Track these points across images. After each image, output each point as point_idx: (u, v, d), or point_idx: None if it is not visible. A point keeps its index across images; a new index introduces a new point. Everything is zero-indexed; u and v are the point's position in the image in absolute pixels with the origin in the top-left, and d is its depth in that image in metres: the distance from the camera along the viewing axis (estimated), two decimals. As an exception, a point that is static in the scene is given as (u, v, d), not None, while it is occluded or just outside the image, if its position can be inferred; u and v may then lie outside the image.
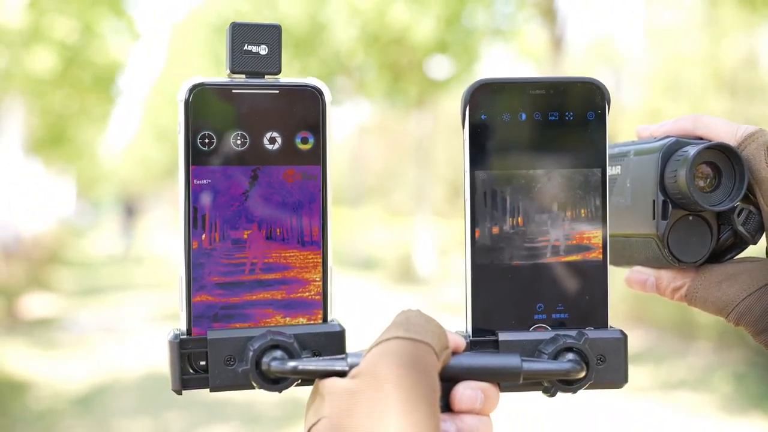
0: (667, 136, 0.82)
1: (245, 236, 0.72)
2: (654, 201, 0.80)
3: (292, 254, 0.73)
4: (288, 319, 0.73)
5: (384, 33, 11.99)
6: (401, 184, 21.47)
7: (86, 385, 6.51)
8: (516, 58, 15.03)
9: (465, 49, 12.63)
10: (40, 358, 7.49)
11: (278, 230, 0.73)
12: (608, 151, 0.81)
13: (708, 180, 0.78)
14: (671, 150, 0.79)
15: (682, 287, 0.82)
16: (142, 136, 39.59)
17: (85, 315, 10.25)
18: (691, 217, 0.79)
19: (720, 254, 0.81)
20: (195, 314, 0.72)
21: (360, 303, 10.21)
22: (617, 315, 7.97)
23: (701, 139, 0.81)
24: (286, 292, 0.73)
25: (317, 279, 0.74)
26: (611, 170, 0.86)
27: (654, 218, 0.80)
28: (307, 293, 0.74)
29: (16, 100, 13.01)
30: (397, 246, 14.94)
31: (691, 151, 0.77)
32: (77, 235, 31.14)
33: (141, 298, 11.63)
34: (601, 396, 5.68)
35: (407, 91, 13.29)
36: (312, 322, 0.74)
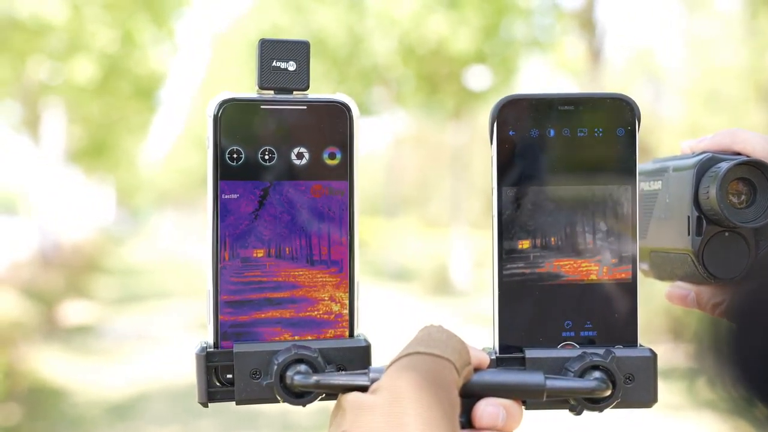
0: (704, 152, 0.81)
1: (273, 252, 0.73)
2: (689, 217, 0.79)
3: (318, 270, 0.74)
4: (310, 335, 0.74)
5: (421, 44, 12.00)
6: (437, 196, 21.44)
7: (121, 393, 6.56)
8: (554, 69, 14.98)
9: (503, 60, 12.60)
10: (76, 365, 7.56)
11: (306, 245, 0.73)
12: (651, 167, 0.80)
13: (742, 196, 0.77)
14: (706, 166, 0.79)
15: (722, 303, 0.81)
16: (182, 145, 39.93)
17: (122, 323, 10.33)
18: (727, 234, 0.78)
19: (760, 269, 0.79)
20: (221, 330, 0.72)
21: (394, 314, 10.19)
22: (654, 329, 7.90)
23: (738, 154, 0.80)
24: (314, 310, 0.74)
25: (342, 295, 0.74)
26: (653, 185, 0.86)
27: (689, 234, 0.79)
28: (333, 309, 0.74)
29: (57, 109, 13.18)
30: (433, 257, 14.92)
31: (723, 167, 0.76)
32: (116, 243, 31.43)
33: (178, 306, 11.71)
34: (633, 414, 5.63)
35: (444, 102, 13.29)
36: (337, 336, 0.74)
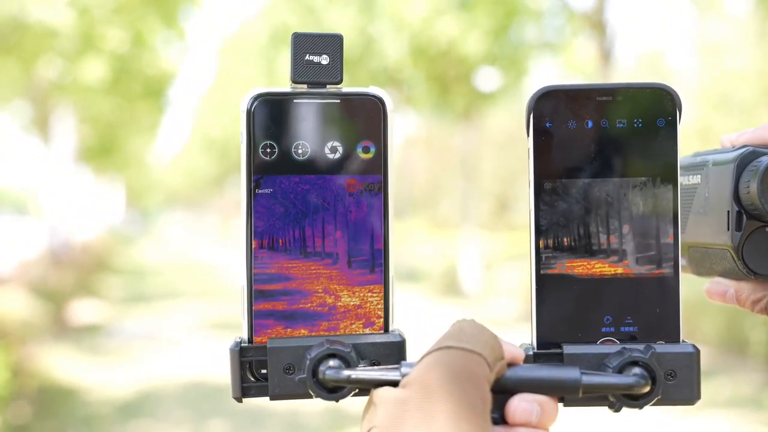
0: (745, 146, 0.79)
1: (316, 245, 0.72)
2: (728, 212, 0.77)
3: (352, 270, 0.73)
4: (358, 327, 0.73)
5: (432, 46, 12.00)
6: (447, 197, 21.44)
7: (131, 392, 6.57)
8: (564, 71, 14.96)
9: (513, 62, 12.59)
10: (86, 364, 7.58)
11: (347, 239, 0.73)
12: (690, 161, 0.79)
13: None
14: (746, 160, 0.77)
15: (763, 299, 0.80)
16: (191, 146, 40.04)
17: (132, 322, 10.36)
18: (767, 229, 0.77)
19: None
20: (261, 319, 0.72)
21: (404, 315, 10.18)
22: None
23: None
24: (351, 300, 0.73)
25: (377, 290, 0.74)
26: (692, 179, 0.84)
27: (728, 229, 0.77)
28: (370, 302, 0.74)
29: (67, 109, 13.22)
30: (443, 259, 14.91)
31: (765, 161, 0.75)
32: (126, 242, 31.52)
33: (187, 306, 11.73)
34: (649, 412, 5.61)
35: (455, 103, 13.28)
36: (375, 331, 0.74)
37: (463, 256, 13.52)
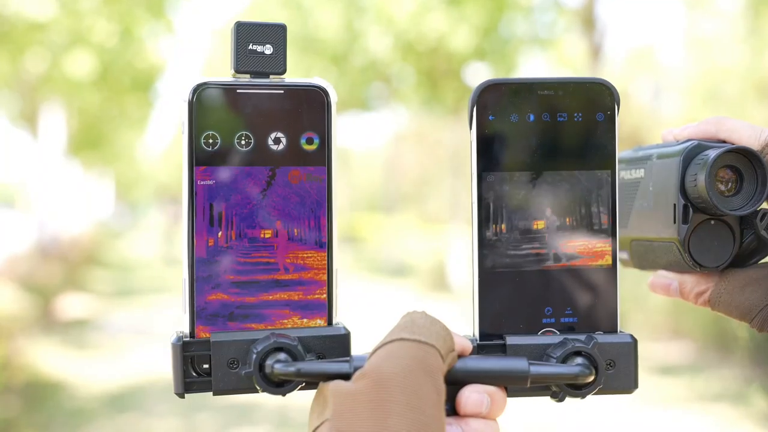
0: (690, 140, 0.80)
1: (257, 236, 0.71)
2: (675, 205, 0.78)
3: (308, 255, 0.72)
4: (305, 320, 0.72)
5: (421, 41, 11.98)
6: (436, 192, 21.44)
7: (119, 386, 6.55)
8: (554, 67, 14.97)
9: (503, 57, 12.58)
10: (74, 358, 7.56)
11: (289, 231, 0.72)
12: (632, 155, 0.80)
13: (729, 184, 0.76)
14: (692, 153, 0.78)
15: (706, 292, 0.81)
16: (181, 139, 39.87)
17: (120, 316, 10.33)
18: (712, 222, 0.78)
19: (743, 259, 0.79)
20: (210, 313, 0.71)
21: (392, 310, 10.19)
22: (654, 327, 7.89)
23: (724, 142, 0.79)
24: (303, 293, 0.72)
25: (324, 281, 0.73)
26: (634, 174, 0.85)
27: (675, 222, 0.78)
28: (319, 296, 0.73)
29: (55, 103, 13.16)
30: (431, 254, 14.91)
31: (712, 154, 0.75)
32: (115, 236, 31.41)
33: (175, 300, 11.70)
34: (635, 408, 5.63)
35: (444, 98, 13.27)
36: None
37: (452, 251, 13.53)
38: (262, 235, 0.71)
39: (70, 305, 10.78)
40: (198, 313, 0.71)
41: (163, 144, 48.61)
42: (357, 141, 37.17)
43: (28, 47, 9.43)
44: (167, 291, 12.88)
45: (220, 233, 0.70)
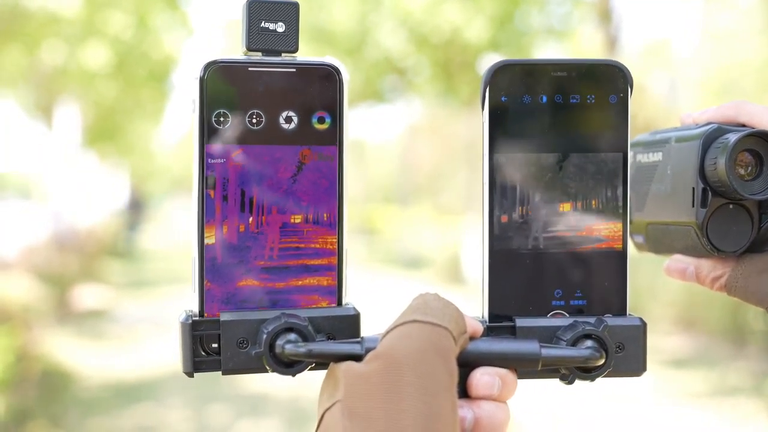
0: (709, 123, 0.80)
1: (265, 220, 0.71)
2: (693, 189, 0.78)
3: (318, 236, 0.72)
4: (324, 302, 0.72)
5: (435, 33, 11.95)
6: (451, 184, 21.41)
7: (134, 377, 6.58)
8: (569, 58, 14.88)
9: (518, 49, 12.53)
10: (89, 349, 7.59)
11: (296, 213, 0.71)
12: (649, 138, 0.79)
13: (749, 168, 0.76)
14: (712, 137, 0.77)
15: (722, 276, 0.80)
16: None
17: (135, 307, 10.37)
18: (731, 206, 0.77)
19: (761, 244, 0.78)
20: (240, 298, 0.71)
21: (406, 302, 10.19)
22: (669, 319, 7.87)
23: (744, 126, 0.79)
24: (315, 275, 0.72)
25: (332, 263, 0.72)
26: (651, 157, 0.85)
27: (693, 206, 0.78)
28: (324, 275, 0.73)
29: (71, 94, 13.20)
30: (446, 246, 14.90)
31: (732, 138, 0.75)
32: (130, 227, 31.50)
33: (190, 291, 11.72)
34: (650, 401, 5.62)
35: (459, 90, 13.24)
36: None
37: (466, 244, 13.51)
38: (264, 220, 0.71)
39: (86, 296, 10.83)
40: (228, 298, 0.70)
41: (178, 135, 48.75)
42: (372, 133, 37.19)
43: (43, 39, 9.46)
44: (182, 282, 12.92)
45: (227, 213, 0.70)
